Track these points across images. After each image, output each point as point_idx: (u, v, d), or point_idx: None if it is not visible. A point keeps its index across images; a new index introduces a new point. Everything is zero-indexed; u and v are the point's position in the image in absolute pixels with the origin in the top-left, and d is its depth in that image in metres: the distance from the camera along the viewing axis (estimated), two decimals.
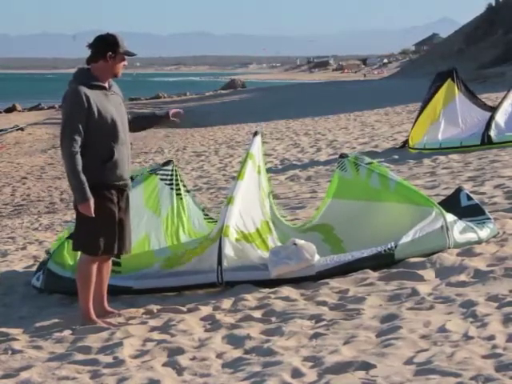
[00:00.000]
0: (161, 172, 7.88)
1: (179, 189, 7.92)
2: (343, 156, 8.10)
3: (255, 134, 7.98)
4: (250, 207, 7.50)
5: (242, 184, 7.51)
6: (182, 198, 7.91)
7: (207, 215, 8.22)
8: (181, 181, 7.99)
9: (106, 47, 6.39)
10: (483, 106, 16.64)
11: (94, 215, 6.28)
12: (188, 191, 8.08)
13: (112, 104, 6.46)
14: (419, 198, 7.63)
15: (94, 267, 6.53)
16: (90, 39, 6.53)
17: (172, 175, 7.91)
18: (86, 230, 6.46)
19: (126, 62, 6.52)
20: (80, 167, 6.27)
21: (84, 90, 6.32)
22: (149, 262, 7.39)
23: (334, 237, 7.95)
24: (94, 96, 6.34)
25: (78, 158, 6.27)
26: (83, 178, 6.26)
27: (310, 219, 8.56)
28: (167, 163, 7.99)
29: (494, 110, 16.13)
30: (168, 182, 7.87)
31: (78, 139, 6.28)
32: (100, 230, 6.42)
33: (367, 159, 8.02)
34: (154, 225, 7.71)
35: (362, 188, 7.86)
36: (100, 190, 6.37)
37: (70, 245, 7.50)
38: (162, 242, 7.68)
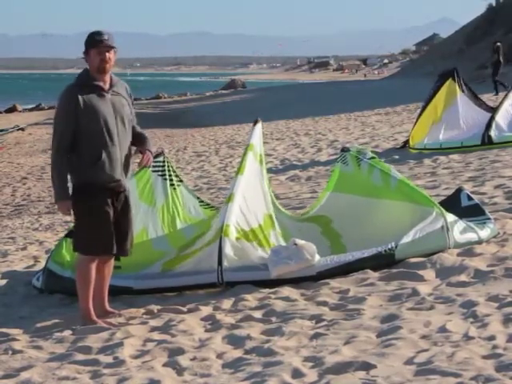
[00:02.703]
0: (152, 164, 7.86)
1: (172, 179, 7.93)
2: (345, 150, 8.10)
3: (255, 122, 7.94)
4: (251, 202, 7.49)
5: (242, 179, 7.49)
6: (175, 188, 7.92)
7: (202, 201, 8.20)
8: (173, 171, 7.99)
9: (87, 44, 6.50)
10: (484, 106, 16.65)
11: (70, 214, 6.44)
12: (181, 181, 8.07)
13: (107, 104, 6.46)
14: (420, 197, 7.62)
15: (93, 267, 6.54)
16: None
17: (164, 166, 7.92)
18: (82, 231, 6.51)
19: (105, 55, 6.42)
20: (63, 166, 6.38)
21: (76, 90, 6.40)
22: (148, 256, 7.39)
23: (332, 230, 7.93)
24: (86, 96, 6.39)
25: (62, 157, 6.38)
26: (64, 177, 6.39)
27: (308, 209, 8.54)
28: (158, 155, 7.98)
29: (494, 110, 16.13)
30: (160, 173, 7.89)
31: (66, 139, 6.38)
32: (94, 231, 6.45)
33: (369, 154, 8.00)
34: (150, 216, 7.72)
35: (362, 183, 7.85)
36: (91, 191, 6.41)
37: (67, 243, 7.51)
38: (160, 231, 7.69)
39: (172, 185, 7.91)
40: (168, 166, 7.95)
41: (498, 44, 31.41)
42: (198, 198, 8.23)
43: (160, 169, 7.88)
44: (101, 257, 6.58)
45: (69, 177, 6.52)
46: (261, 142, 7.92)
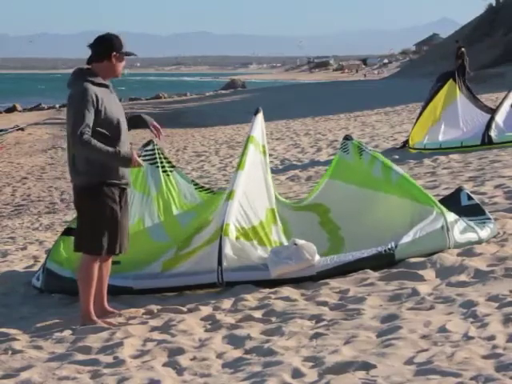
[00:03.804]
0: (143, 154, 7.82)
1: (164, 166, 7.89)
2: (348, 138, 8.07)
3: (256, 111, 7.90)
4: (253, 197, 7.45)
5: (242, 174, 7.45)
6: (168, 175, 7.88)
7: (197, 184, 8.16)
8: (164, 158, 7.94)
9: (111, 47, 6.44)
10: (484, 107, 16.66)
11: (143, 165, 6.47)
12: (173, 166, 8.03)
13: (117, 102, 6.53)
14: (421, 195, 7.60)
15: (96, 267, 6.52)
16: (87, 40, 6.57)
17: (154, 154, 7.87)
18: (89, 230, 6.45)
19: (124, 62, 6.59)
20: (101, 145, 6.25)
21: (92, 87, 6.35)
22: (146, 250, 7.38)
23: (330, 221, 7.90)
24: (101, 94, 6.37)
25: (94, 141, 6.24)
26: (110, 149, 6.27)
27: (307, 196, 8.51)
28: (147, 144, 7.94)
29: (494, 110, 16.13)
30: (152, 162, 7.84)
31: (90, 131, 6.28)
32: (103, 230, 6.42)
33: (370, 148, 8.00)
34: (145, 205, 7.70)
35: (363, 174, 7.82)
36: (103, 189, 6.38)
37: (65, 241, 7.49)
38: (156, 220, 7.66)
39: (165, 171, 7.87)
40: (159, 154, 7.90)
41: (463, 50, 31.27)
42: (193, 181, 8.18)
43: (151, 157, 7.84)
44: (105, 256, 6.57)
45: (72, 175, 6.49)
46: (263, 132, 7.85)
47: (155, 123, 6.84)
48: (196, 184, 8.11)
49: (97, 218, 6.38)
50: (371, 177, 7.75)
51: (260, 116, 7.85)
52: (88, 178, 6.36)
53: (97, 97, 6.32)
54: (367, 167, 7.79)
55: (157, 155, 7.87)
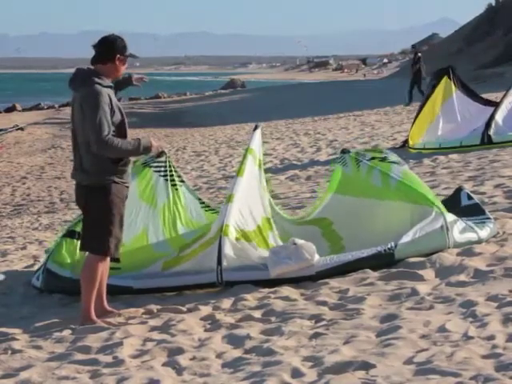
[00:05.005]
0: (154, 164, 7.84)
1: (174, 179, 7.90)
2: (345, 152, 8.13)
3: (255, 127, 7.98)
4: (250, 204, 7.50)
5: (241, 181, 7.51)
6: (177, 189, 7.89)
7: (204, 203, 8.18)
8: (175, 171, 7.95)
9: (116, 49, 6.46)
10: (480, 99, 16.67)
11: (163, 150, 6.71)
12: (183, 181, 8.03)
13: (120, 105, 6.54)
14: (419, 196, 7.61)
15: (101, 268, 6.52)
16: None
17: (166, 166, 7.88)
18: (99, 230, 6.45)
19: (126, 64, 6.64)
20: (124, 144, 6.36)
21: (103, 89, 6.37)
22: (148, 258, 7.39)
23: (333, 232, 7.95)
24: (111, 96, 6.43)
25: (117, 141, 6.32)
26: (131, 145, 6.40)
27: (309, 212, 8.55)
28: (160, 155, 7.96)
29: (494, 106, 16.09)
30: (162, 174, 7.85)
31: (111, 132, 6.35)
32: (112, 230, 6.44)
33: (369, 155, 8.01)
34: (150, 217, 7.70)
35: (362, 185, 7.87)
36: (113, 188, 6.41)
37: (68, 244, 7.48)
38: (160, 234, 7.66)
39: (174, 185, 7.89)
40: (170, 167, 7.93)
41: (420, 55, 31.07)
42: (200, 199, 8.20)
43: (162, 169, 7.86)
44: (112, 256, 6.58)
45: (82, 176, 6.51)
46: (260, 147, 7.95)
47: (136, 75, 6.98)
48: (202, 202, 8.12)
49: (105, 217, 6.40)
50: (371, 186, 7.82)
51: (258, 132, 7.95)
52: (98, 177, 6.38)
53: (110, 99, 6.38)
54: (366, 177, 7.86)
55: (168, 168, 7.88)
